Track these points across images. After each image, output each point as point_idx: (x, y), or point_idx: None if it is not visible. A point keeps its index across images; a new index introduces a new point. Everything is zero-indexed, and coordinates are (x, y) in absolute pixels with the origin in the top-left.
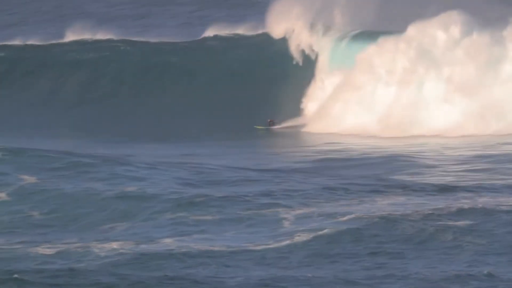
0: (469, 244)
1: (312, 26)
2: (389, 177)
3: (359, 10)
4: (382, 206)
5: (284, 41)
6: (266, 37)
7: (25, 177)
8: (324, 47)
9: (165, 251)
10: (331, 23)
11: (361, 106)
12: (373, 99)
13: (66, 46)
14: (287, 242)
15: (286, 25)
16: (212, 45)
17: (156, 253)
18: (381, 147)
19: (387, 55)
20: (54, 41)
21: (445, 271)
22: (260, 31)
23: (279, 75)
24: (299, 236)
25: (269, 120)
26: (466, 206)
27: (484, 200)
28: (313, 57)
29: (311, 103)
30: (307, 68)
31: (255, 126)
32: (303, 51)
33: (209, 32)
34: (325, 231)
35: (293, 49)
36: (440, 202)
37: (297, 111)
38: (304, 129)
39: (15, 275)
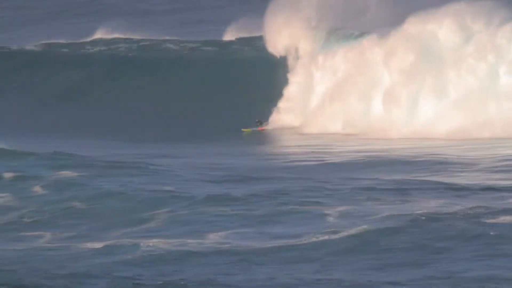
0: None
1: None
2: (429, 177)
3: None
4: (426, 205)
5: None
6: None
7: (64, 172)
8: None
9: (211, 247)
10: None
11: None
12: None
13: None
14: (331, 238)
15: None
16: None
17: (203, 248)
18: (415, 147)
19: None
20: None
21: (491, 270)
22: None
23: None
24: (342, 233)
25: (257, 121)
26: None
27: None
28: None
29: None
30: (297, 69)
31: (242, 129)
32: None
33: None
34: (368, 228)
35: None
36: (484, 201)
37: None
38: (302, 129)
39: (71, 269)
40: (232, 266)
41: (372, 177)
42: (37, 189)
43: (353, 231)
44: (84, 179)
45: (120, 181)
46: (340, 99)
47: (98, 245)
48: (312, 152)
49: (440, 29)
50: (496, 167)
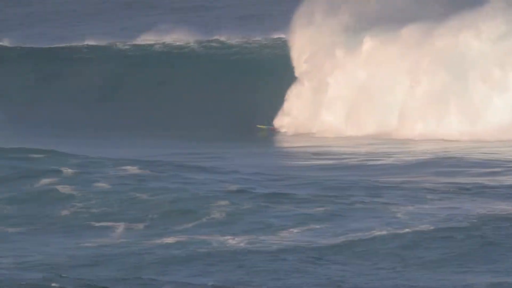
0: None
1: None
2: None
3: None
4: (491, 206)
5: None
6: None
7: (128, 167)
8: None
9: (283, 243)
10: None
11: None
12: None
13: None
14: (401, 233)
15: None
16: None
17: (278, 245)
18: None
19: None
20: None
21: None
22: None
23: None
24: (413, 228)
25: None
26: None
27: None
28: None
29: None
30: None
31: (257, 126)
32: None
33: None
34: (439, 226)
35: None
36: None
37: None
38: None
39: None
40: (309, 262)
41: (436, 177)
42: (101, 184)
43: (423, 227)
44: (146, 176)
45: (183, 177)
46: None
47: (170, 239)
48: (368, 152)
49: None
50: None
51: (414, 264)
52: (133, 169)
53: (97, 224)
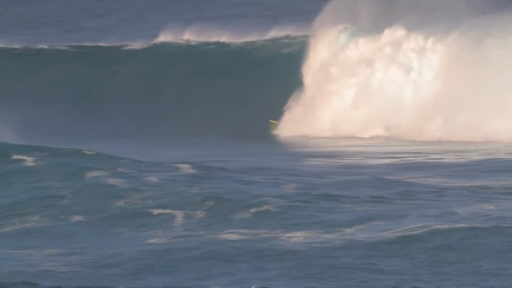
0: None
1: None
2: None
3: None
4: None
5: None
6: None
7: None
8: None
9: (347, 239)
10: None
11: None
12: None
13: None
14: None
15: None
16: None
17: (340, 241)
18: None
19: None
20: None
21: None
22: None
23: None
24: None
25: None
26: None
27: None
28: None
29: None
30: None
31: (270, 121)
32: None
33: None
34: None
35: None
36: None
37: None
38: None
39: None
40: (364, 258)
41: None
42: (152, 178)
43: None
44: (198, 176)
45: (230, 178)
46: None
47: (231, 236)
48: (419, 153)
49: None
50: None
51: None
52: (186, 168)
53: (156, 212)
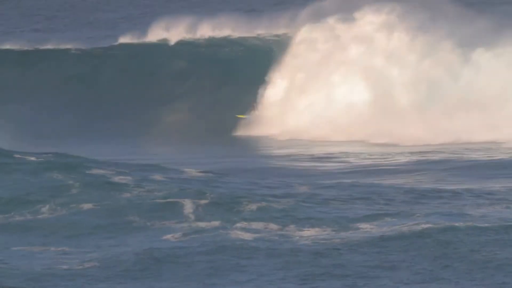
0: None
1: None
2: None
3: None
4: None
5: None
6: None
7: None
8: None
9: (363, 236)
10: None
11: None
12: None
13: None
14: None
15: None
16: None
17: (362, 238)
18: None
19: None
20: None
21: None
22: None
23: None
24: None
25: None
26: None
27: None
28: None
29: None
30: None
31: (236, 115)
32: None
33: None
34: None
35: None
36: None
37: None
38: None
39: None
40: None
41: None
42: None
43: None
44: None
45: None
46: None
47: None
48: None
49: None
50: None
51: None
52: (193, 172)
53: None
